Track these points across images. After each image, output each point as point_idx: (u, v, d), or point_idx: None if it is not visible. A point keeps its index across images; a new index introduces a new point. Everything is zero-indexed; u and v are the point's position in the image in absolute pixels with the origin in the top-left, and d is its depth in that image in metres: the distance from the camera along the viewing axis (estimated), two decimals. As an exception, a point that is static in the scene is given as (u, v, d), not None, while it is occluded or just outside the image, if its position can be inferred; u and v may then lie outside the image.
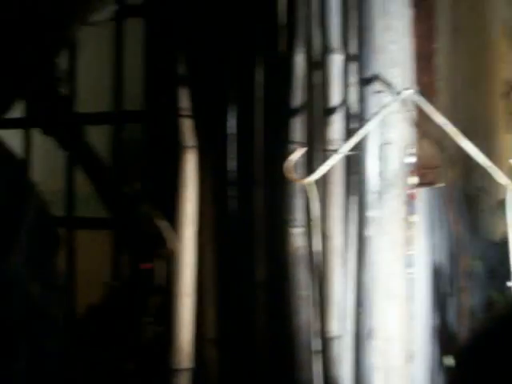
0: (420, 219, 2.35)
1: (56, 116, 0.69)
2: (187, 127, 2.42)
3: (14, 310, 0.96)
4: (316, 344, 2.21)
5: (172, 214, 2.31)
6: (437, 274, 2.42)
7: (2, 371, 0.92)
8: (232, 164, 2.38)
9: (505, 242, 2.00)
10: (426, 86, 2.31)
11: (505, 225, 2.00)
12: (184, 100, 2.42)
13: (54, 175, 3.20)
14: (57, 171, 3.17)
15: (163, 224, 0.74)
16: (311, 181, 2.15)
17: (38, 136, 3.13)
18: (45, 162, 3.20)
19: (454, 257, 2.42)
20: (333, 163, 2.13)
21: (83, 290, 3.00)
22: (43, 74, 0.67)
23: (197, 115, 2.43)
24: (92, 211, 3.03)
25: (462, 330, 2.38)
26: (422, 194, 2.36)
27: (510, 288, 2.05)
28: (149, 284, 0.80)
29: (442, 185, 2.32)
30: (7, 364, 0.93)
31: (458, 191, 2.40)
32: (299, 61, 2.23)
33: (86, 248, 3.01)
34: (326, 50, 2.20)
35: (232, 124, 2.39)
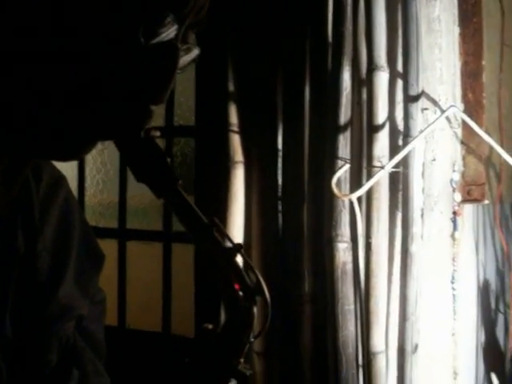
0: (466, 236, 2.35)
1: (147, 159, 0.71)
2: (236, 142, 2.46)
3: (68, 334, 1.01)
4: (361, 358, 2.22)
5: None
6: (483, 291, 2.41)
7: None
8: (279, 179, 2.41)
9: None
10: (473, 103, 2.32)
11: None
12: (233, 116, 2.47)
13: (106, 188, 3.29)
14: (109, 184, 3.27)
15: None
16: (356, 196, 2.17)
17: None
18: (98, 174, 3.30)
19: (501, 273, 2.41)
20: (377, 179, 2.16)
21: (134, 300, 3.08)
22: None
23: (245, 131, 2.48)
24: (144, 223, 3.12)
25: (510, 346, 2.36)
26: (468, 210, 2.36)
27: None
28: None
29: (487, 202, 2.32)
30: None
31: (506, 207, 2.39)
32: (346, 78, 2.26)
33: (137, 259, 3.09)
34: (373, 67, 2.22)
35: (280, 140, 2.42)
